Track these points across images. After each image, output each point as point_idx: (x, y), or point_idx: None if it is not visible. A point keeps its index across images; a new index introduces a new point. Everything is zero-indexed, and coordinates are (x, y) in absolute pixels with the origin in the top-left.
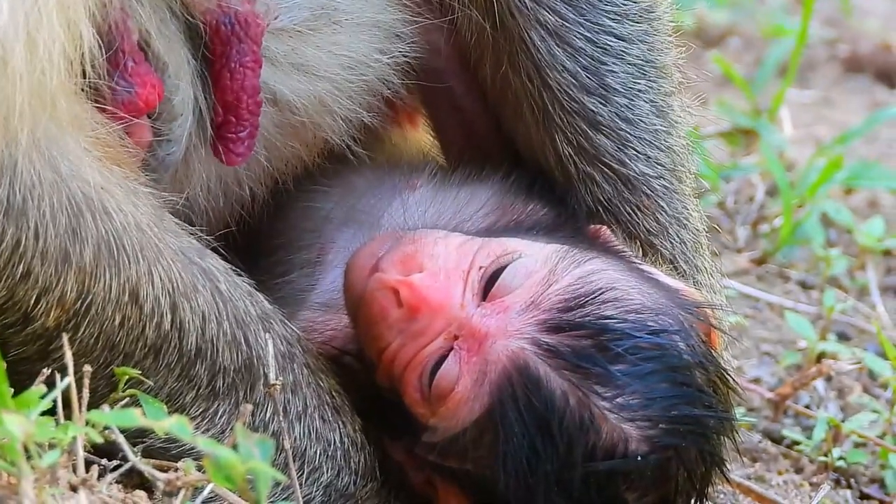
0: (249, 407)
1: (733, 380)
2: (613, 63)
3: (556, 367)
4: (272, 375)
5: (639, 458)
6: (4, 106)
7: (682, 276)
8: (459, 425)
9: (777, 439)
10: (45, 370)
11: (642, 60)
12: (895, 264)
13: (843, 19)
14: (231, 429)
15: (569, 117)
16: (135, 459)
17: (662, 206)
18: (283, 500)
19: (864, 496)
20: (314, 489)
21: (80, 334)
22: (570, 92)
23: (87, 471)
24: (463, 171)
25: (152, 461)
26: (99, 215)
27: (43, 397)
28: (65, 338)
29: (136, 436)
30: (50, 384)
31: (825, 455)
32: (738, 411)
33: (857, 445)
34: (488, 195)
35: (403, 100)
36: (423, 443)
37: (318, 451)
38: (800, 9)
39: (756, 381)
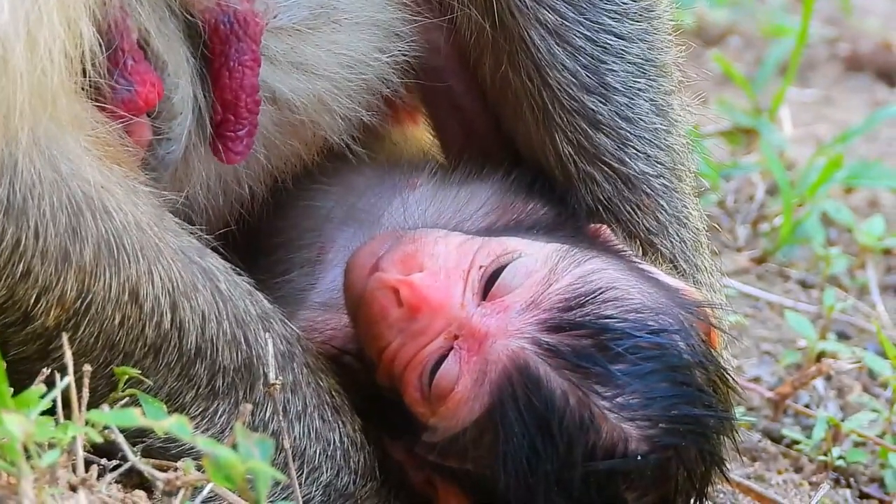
0: (249, 406)
1: (733, 379)
2: (613, 62)
3: (556, 366)
4: (272, 375)
5: (639, 458)
6: (5, 105)
7: (682, 275)
8: (459, 425)
9: (777, 438)
10: (44, 370)
11: (642, 59)
12: (895, 263)
13: (844, 18)
14: (231, 428)
15: (569, 116)
16: (134, 459)
17: (662, 205)
18: (283, 499)
19: (863, 495)
20: (314, 489)
21: (79, 333)
22: (570, 91)
23: (87, 470)
24: (463, 170)
25: (152, 461)
26: (99, 214)
27: (43, 397)
28: (64, 337)
29: (136, 435)
30: (50, 384)
31: (825, 454)
32: (738, 410)
33: (856, 445)
34: (488, 194)
35: (403, 99)
36: (422, 442)
37: (318, 451)
38: (800, 8)
39: (756, 380)
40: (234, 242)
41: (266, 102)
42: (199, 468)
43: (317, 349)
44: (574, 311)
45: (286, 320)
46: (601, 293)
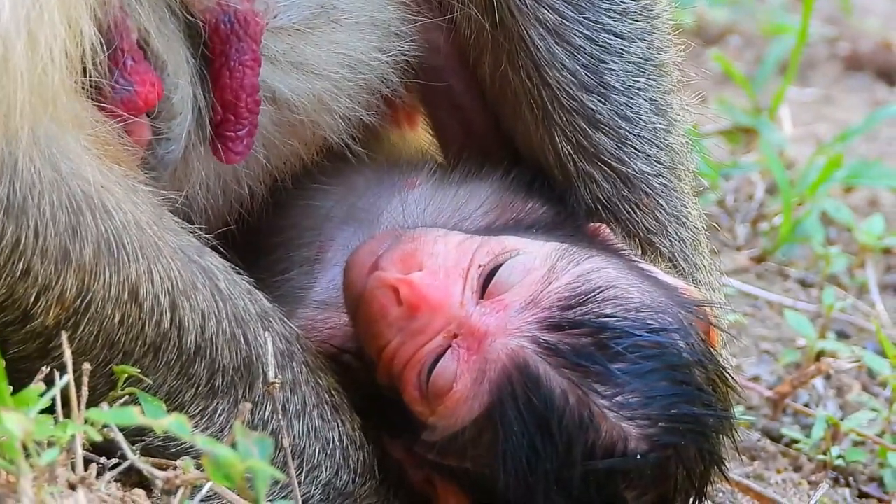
0: (248, 405)
1: (732, 378)
2: (613, 61)
3: (555, 365)
4: (271, 374)
5: (638, 457)
6: (5, 103)
7: (682, 274)
8: (459, 424)
9: (776, 438)
10: (44, 368)
11: (642, 58)
12: (895, 262)
13: (844, 17)
14: (230, 427)
15: (568, 115)
16: (133, 458)
17: (662, 205)
18: (282, 498)
19: (862, 495)
20: (313, 487)
21: (79, 332)
22: (570, 90)
23: (86, 469)
24: (462, 169)
25: (151, 459)
26: (99, 213)
27: (42, 395)
28: (64, 336)
29: (135, 434)
30: (49, 382)
31: (824, 453)
32: (737, 410)
33: (855, 444)
34: (487, 193)
35: (402, 98)
36: (422, 441)
37: (317, 450)
38: (800, 7)
39: (755, 379)
40: (233, 241)
41: (266, 102)
42: (198, 467)
43: (316, 348)
44: (573, 310)
45: (285, 319)
46: (600, 292)
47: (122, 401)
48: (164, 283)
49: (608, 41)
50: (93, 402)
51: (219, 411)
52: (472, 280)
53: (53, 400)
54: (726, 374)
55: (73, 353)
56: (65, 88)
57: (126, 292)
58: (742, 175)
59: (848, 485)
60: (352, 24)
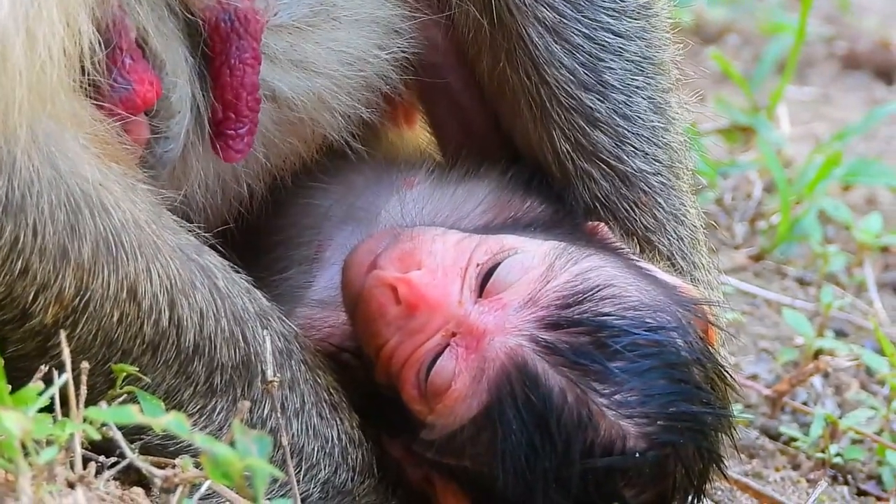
0: (247, 403)
1: (731, 376)
2: (611, 59)
3: (554, 363)
4: (270, 372)
5: (637, 455)
6: (3, 101)
7: (680, 272)
8: (457, 422)
9: (774, 436)
10: (43, 367)
11: (640, 57)
12: (893, 261)
13: (842, 16)
14: (229, 425)
15: (566, 114)
16: (132, 456)
17: (660, 203)
18: (281, 496)
19: (861, 493)
20: (311, 486)
21: (78, 331)
22: (568, 88)
23: (85, 468)
24: (460, 167)
25: (150, 458)
26: (97, 212)
27: (41, 394)
28: (63, 334)
29: (134, 433)
30: (48, 381)
31: (822, 451)
32: (736, 408)
33: (854, 442)
34: (486, 192)
35: (402, 96)
36: (420, 440)
37: (316, 448)
38: (798, 6)
39: (753, 377)
40: (232, 240)
41: (266, 100)
42: (197, 465)
43: (315, 346)
44: (572, 309)
45: (284, 317)
46: (599, 290)
47: (120, 399)
48: (162, 281)
49: (607, 39)
50: (91, 401)
51: (217, 410)
52: (470, 279)
53: (52, 398)
54: (725, 373)
55: (71, 351)
56: (63, 87)
57: (125, 291)
58: (740, 174)
59: (846, 483)
60: (352, 21)
